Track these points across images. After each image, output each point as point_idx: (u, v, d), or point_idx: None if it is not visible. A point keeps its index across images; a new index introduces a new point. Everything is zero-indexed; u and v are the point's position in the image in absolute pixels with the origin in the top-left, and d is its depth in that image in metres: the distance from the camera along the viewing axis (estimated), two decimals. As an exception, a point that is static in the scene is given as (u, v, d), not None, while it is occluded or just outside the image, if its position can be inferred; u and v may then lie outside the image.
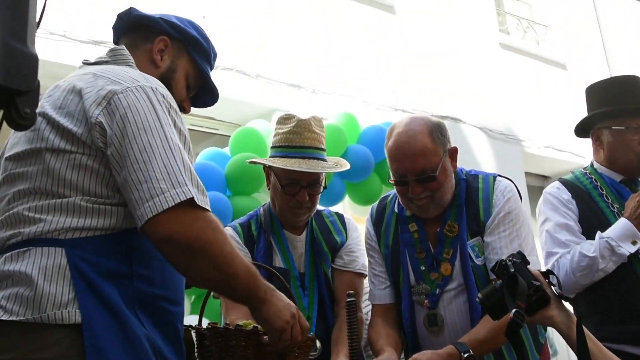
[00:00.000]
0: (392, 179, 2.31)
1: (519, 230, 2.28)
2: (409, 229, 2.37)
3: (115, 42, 1.93)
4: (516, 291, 1.79)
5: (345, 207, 5.06)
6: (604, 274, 2.65)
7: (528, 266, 1.86)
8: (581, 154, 7.94)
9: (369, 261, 2.53)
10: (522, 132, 7.54)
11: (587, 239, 2.71)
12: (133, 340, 1.48)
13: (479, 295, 1.94)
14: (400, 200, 2.38)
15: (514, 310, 1.76)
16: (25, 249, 1.52)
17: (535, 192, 6.64)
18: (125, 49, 1.80)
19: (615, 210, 2.75)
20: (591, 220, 2.77)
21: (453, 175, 2.33)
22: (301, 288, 2.50)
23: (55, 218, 1.53)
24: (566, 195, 2.85)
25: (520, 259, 1.88)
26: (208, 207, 1.53)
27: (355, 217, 4.46)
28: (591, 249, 2.65)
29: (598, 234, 2.66)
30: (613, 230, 2.65)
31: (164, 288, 1.60)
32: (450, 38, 7.34)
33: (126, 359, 1.45)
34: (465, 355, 2.03)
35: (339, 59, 6.05)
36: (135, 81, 1.60)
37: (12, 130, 1.74)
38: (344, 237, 2.61)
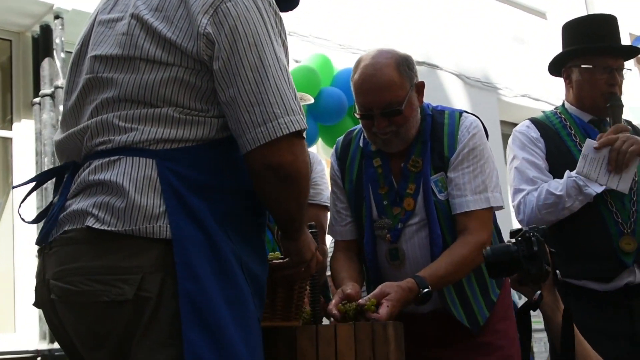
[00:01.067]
0: (357, 112, 2.29)
1: (483, 167, 2.27)
2: (373, 163, 2.36)
3: None
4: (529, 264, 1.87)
5: (319, 149, 5.05)
6: (569, 213, 2.68)
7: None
8: (557, 103, 7.97)
9: (331, 196, 2.52)
10: (498, 80, 7.53)
11: (555, 177, 2.73)
12: (221, 257, 1.46)
13: (487, 248, 1.98)
14: (365, 135, 2.37)
15: (538, 293, 1.86)
16: (117, 157, 1.48)
17: (509, 139, 6.66)
18: None
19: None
20: (559, 158, 2.78)
21: (419, 110, 2.31)
22: None
23: (147, 128, 1.48)
24: (535, 133, 2.85)
25: (543, 235, 1.93)
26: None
27: (328, 161, 4.47)
28: (558, 187, 2.66)
29: (567, 172, 2.67)
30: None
31: (250, 199, 1.57)
32: (429, -17, 7.25)
33: (214, 275, 1.43)
34: (424, 291, 2.05)
35: (315, 1, 5.96)
36: None
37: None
38: None
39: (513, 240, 1.98)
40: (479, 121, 2.35)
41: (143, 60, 1.50)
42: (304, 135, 1.51)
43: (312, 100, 2.60)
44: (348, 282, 2.21)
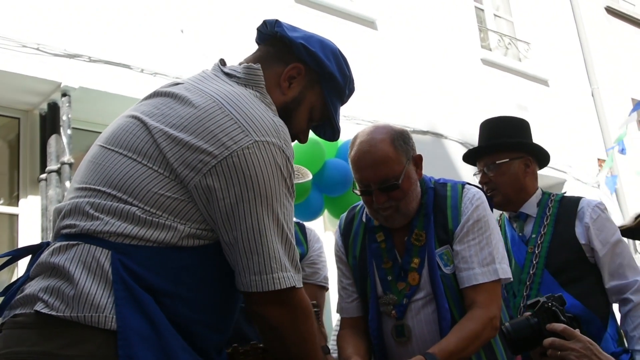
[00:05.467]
0: (357, 189, 2.29)
1: (489, 238, 2.25)
2: (377, 238, 2.34)
3: (257, 42, 1.85)
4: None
5: (325, 221, 5.03)
6: None
7: None
8: (562, 169, 7.97)
9: (337, 273, 2.49)
10: (503, 147, 7.54)
11: None
12: (169, 353, 1.43)
13: (507, 324, 1.97)
14: (367, 211, 2.36)
15: None
16: (75, 242, 1.49)
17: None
18: (260, 70, 1.69)
19: None
20: None
21: (418, 184, 2.30)
22: None
23: (111, 220, 1.49)
24: None
25: (562, 304, 1.95)
26: (301, 284, 1.59)
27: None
28: None
29: None
30: None
31: (206, 313, 1.56)
32: (432, 54, 7.37)
33: None
34: None
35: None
36: (265, 133, 1.53)
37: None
38: (304, 249, 2.58)
39: (528, 312, 1.96)
40: (482, 192, 2.34)
41: (140, 163, 1.52)
42: (301, 284, 1.57)
43: (310, 177, 2.61)
44: (355, 357, 2.16)
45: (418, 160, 2.30)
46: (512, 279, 2.33)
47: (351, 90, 1.91)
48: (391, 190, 2.21)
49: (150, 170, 1.51)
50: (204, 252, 1.54)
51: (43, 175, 4.64)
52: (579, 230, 2.82)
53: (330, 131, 1.91)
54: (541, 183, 3.08)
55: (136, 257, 1.47)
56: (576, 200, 2.93)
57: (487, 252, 2.23)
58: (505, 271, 2.25)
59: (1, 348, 1.46)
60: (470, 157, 3.06)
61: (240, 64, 1.75)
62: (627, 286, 2.77)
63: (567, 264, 2.80)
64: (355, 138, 2.30)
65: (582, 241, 2.81)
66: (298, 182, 2.52)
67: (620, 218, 8.23)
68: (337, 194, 4.78)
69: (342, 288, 2.45)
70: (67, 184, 4.52)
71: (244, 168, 1.49)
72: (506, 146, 2.95)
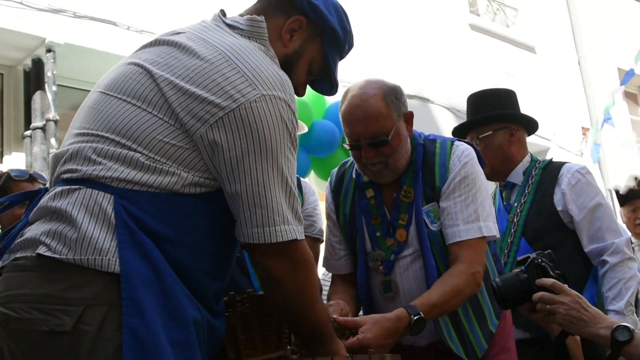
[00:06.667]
0: (346, 143, 2.29)
1: (475, 196, 2.24)
2: (366, 194, 2.34)
3: None
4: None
5: (311, 182, 5.04)
6: None
7: None
8: (547, 137, 8.02)
9: (326, 230, 2.51)
10: (489, 113, 7.56)
11: None
12: (171, 297, 1.44)
13: (496, 280, 1.98)
14: (356, 166, 2.36)
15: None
16: (77, 187, 1.49)
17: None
18: (264, 22, 1.68)
19: None
20: None
21: (408, 140, 2.29)
22: None
23: (114, 165, 1.49)
24: None
25: (551, 260, 1.96)
26: (303, 237, 1.60)
27: (321, 194, 4.46)
28: None
29: None
30: None
31: (206, 260, 1.56)
32: (420, 18, 7.33)
33: (161, 314, 1.42)
34: (415, 318, 2.00)
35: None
36: (272, 87, 1.53)
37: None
38: (299, 202, 2.57)
39: (518, 269, 1.98)
40: (472, 149, 2.33)
41: (144, 110, 1.52)
42: (303, 236, 1.58)
43: (306, 129, 2.61)
44: (335, 299, 2.21)
45: (409, 117, 2.29)
46: (497, 236, 2.35)
47: (350, 45, 1.91)
48: (380, 146, 2.20)
49: (154, 118, 1.50)
50: (206, 200, 1.54)
51: (27, 132, 4.60)
52: (556, 197, 2.85)
53: (328, 85, 1.90)
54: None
55: (138, 202, 1.47)
56: (559, 166, 2.95)
57: (472, 209, 2.22)
58: (489, 229, 2.25)
59: (2, 290, 1.45)
60: (459, 132, 3.08)
61: (241, 15, 1.73)
62: (604, 248, 2.80)
63: (542, 231, 2.83)
64: (347, 92, 2.28)
65: (559, 207, 2.84)
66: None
67: (602, 188, 8.31)
68: (324, 155, 4.80)
69: (330, 245, 2.46)
70: (53, 141, 4.49)
71: (251, 121, 1.49)
72: (487, 119, 2.96)
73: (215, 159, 1.51)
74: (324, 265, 2.53)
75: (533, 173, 2.95)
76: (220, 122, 1.48)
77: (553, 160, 3.04)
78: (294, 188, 1.58)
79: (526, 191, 2.92)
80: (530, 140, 7.83)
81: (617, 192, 4.59)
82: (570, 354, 2.12)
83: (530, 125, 3.07)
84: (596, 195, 2.88)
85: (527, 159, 3.00)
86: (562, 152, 8.19)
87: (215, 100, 1.49)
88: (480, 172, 2.30)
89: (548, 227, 2.83)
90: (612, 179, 8.56)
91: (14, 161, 4.70)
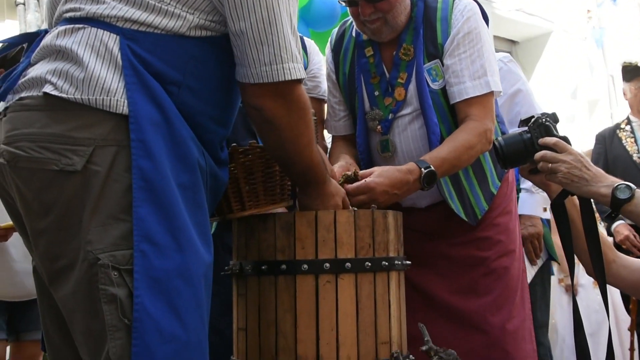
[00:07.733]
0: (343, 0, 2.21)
1: (480, 51, 2.17)
2: (365, 53, 2.30)
3: None
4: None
5: (309, 57, 5.00)
6: None
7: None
8: (550, 19, 7.85)
9: (326, 91, 2.49)
10: (493, -8, 7.37)
11: None
12: (178, 140, 1.44)
13: (499, 139, 1.96)
14: (355, 24, 2.30)
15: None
16: (81, 25, 1.45)
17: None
18: None
19: None
20: None
21: None
22: None
23: (118, 5, 1.46)
24: None
25: (555, 120, 1.93)
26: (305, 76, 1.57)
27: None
28: None
29: None
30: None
31: (211, 104, 1.55)
32: None
33: (169, 157, 1.42)
34: (426, 170, 1.99)
35: None
36: None
37: None
38: (305, 62, 2.53)
39: (521, 128, 1.97)
40: (475, 3, 2.24)
41: None
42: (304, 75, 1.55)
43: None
44: (343, 157, 2.22)
45: None
46: (502, 93, 2.32)
47: None
48: (378, 2, 2.13)
49: None
50: (212, 44, 1.53)
51: (21, 0, 4.48)
52: None
53: None
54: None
55: (144, 43, 1.45)
56: None
57: (478, 64, 2.16)
58: (497, 84, 2.20)
59: (9, 130, 1.44)
60: None
61: None
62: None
63: None
64: None
65: None
66: None
67: (605, 73, 8.22)
68: (323, 29, 4.70)
69: (330, 106, 2.45)
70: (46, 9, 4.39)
71: None
72: None
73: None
74: (325, 128, 2.52)
75: None
76: None
77: None
78: (296, 27, 1.55)
79: None
80: (533, 22, 7.71)
81: (623, 67, 4.52)
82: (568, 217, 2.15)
83: None
84: (517, 82, 2.94)
85: None
86: (565, 36, 8.04)
87: None
88: (484, 26, 2.23)
89: None
90: (616, 63, 8.44)
91: (8, 29, 4.61)
